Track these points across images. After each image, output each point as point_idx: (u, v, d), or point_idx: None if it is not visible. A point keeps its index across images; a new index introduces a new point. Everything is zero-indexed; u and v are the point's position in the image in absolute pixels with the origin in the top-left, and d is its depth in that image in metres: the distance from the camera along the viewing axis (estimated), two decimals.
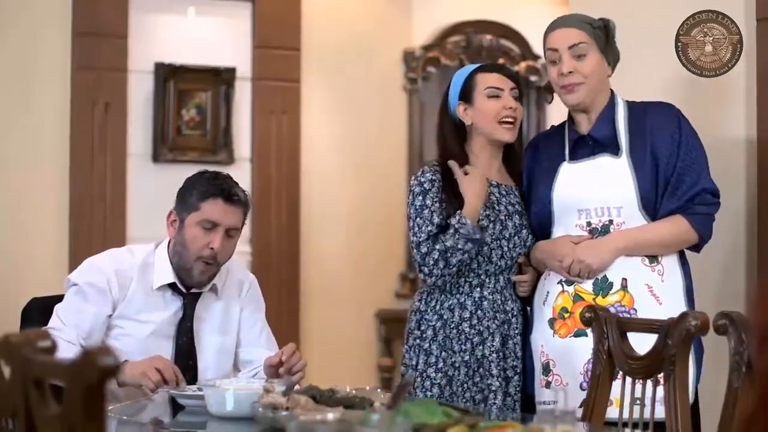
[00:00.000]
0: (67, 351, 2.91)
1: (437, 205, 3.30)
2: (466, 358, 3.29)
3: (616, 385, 2.83)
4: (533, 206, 3.37)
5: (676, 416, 2.64)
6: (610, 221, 3.24)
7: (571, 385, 3.19)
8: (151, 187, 5.68)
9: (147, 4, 5.78)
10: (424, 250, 3.27)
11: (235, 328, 3.34)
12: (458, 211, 3.26)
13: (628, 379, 2.77)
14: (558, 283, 3.29)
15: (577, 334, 3.20)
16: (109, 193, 5.62)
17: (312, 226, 6.16)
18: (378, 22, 6.43)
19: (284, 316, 5.71)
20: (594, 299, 3.22)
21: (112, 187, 5.64)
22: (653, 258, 3.24)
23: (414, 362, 3.35)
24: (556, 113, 6.74)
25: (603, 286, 3.24)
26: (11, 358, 1.84)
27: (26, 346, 1.81)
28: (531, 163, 3.43)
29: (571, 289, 3.26)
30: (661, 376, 2.69)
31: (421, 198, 3.31)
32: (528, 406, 3.31)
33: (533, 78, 6.76)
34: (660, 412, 2.73)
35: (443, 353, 3.32)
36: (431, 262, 3.26)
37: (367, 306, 6.37)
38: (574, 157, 3.32)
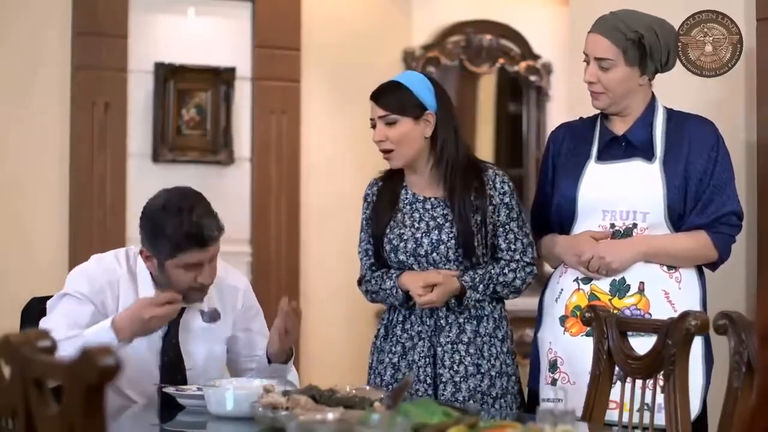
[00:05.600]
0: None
1: (365, 223, 3.47)
2: (395, 360, 3.36)
3: (617, 386, 2.83)
4: (555, 198, 3.35)
5: (675, 416, 2.64)
6: (634, 225, 3.22)
7: (579, 383, 3.16)
8: (151, 187, 5.61)
9: (147, 4, 5.77)
10: (361, 273, 3.46)
11: (225, 333, 3.27)
12: (395, 278, 3.33)
13: (628, 380, 2.77)
14: (574, 281, 3.28)
15: (589, 333, 3.18)
16: (109, 193, 5.61)
17: (312, 226, 6.15)
18: (378, 21, 6.43)
19: None
20: (610, 300, 3.21)
21: (112, 187, 5.63)
22: (671, 265, 3.23)
23: (370, 360, 3.49)
24: (556, 113, 6.74)
25: (620, 288, 3.22)
26: (11, 358, 1.84)
27: (26, 346, 1.81)
28: (555, 153, 3.40)
29: (587, 287, 3.24)
30: (661, 376, 2.70)
31: (362, 211, 3.52)
32: (531, 403, 3.30)
33: (533, 78, 6.74)
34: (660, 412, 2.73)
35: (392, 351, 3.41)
36: (363, 289, 3.46)
37: (367, 306, 6.34)
38: (604, 157, 3.29)
